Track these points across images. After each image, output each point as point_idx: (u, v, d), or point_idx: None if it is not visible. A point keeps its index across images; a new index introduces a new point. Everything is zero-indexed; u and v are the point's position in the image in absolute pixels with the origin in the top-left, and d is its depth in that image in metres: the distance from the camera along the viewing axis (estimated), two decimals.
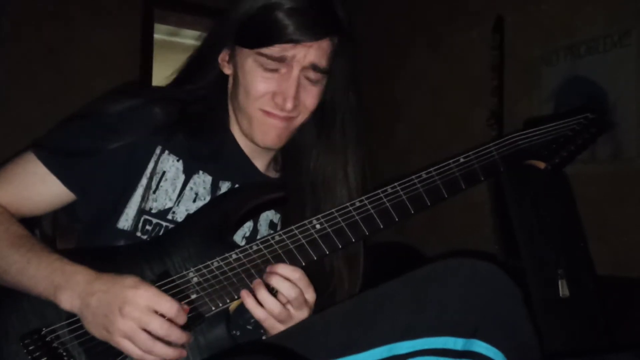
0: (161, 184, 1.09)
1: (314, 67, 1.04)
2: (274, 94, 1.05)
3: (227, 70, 1.13)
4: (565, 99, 2.59)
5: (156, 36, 3.84)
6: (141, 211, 1.07)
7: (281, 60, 1.02)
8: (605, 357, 1.49)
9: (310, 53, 1.02)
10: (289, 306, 0.95)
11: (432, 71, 3.31)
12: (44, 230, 1.17)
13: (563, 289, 1.73)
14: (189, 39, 5.12)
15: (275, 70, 1.04)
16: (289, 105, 1.04)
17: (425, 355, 0.78)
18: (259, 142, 1.10)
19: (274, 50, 1.02)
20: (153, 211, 1.08)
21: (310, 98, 1.08)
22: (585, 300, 1.79)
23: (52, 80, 3.28)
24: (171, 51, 4.97)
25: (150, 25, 3.65)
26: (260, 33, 1.02)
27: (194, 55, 1.17)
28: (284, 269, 0.96)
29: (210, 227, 1.03)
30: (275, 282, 0.95)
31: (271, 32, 1.01)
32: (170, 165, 1.10)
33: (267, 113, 1.07)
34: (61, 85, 3.27)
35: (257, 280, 0.96)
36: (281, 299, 0.96)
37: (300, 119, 1.10)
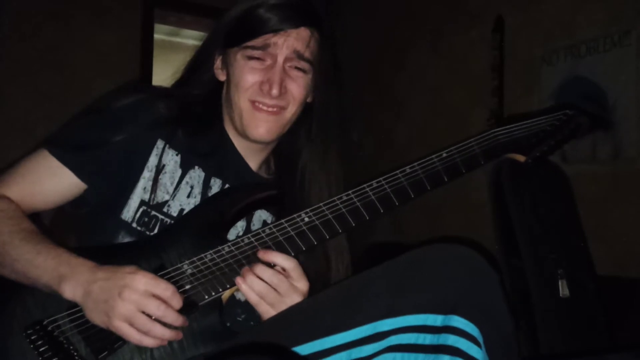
0: (160, 176, 1.14)
1: (297, 55, 1.12)
2: (261, 83, 1.12)
3: (222, 76, 1.20)
4: (565, 98, 2.59)
5: (156, 36, 3.84)
6: (141, 203, 1.13)
7: (264, 48, 1.11)
8: (605, 357, 1.49)
9: (289, 40, 1.11)
10: (277, 291, 1.00)
11: (432, 71, 3.31)
12: (43, 224, 1.19)
13: (563, 289, 1.73)
14: (189, 39, 5.13)
15: (260, 60, 1.12)
16: (275, 91, 1.11)
17: (407, 332, 0.82)
18: (250, 136, 1.16)
19: (258, 41, 1.11)
20: (151, 203, 1.13)
21: (297, 87, 1.14)
22: (585, 300, 1.79)
23: (52, 80, 3.28)
24: (171, 51, 4.98)
25: (150, 25, 3.65)
26: (246, 29, 1.12)
27: (190, 62, 1.24)
28: (277, 257, 1.01)
29: (205, 224, 1.08)
30: (259, 270, 1.00)
31: (255, 26, 1.11)
32: (170, 159, 1.15)
33: (256, 107, 1.13)
34: (61, 85, 3.27)
35: (245, 268, 1.01)
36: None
37: (290, 110, 1.16)
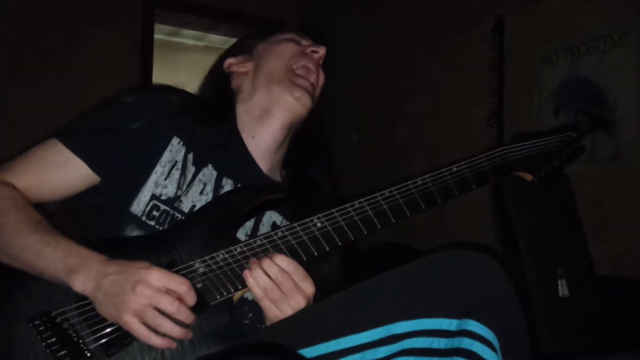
0: (172, 172, 1.14)
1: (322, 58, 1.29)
2: (304, 50, 1.26)
3: (243, 68, 1.28)
4: (565, 99, 2.59)
5: (156, 36, 3.84)
6: (152, 197, 1.12)
7: (301, 37, 1.30)
8: (605, 357, 1.50)
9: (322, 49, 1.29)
10: (281, 288, 1.00)
11: (432, 71, 3.31)
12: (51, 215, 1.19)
13: (563, 289, 1.73)
14: (189, 39, 5.13)
15: (298, 42, 1.28)
16: (322, 51, 1.27)
17: (422, 336, 0.82)
18: (292, 97, 1.21)
19: (296, 34, 1.30)
20: (162, 198, 1.13)
21: (322, 77, 1.28)
22: (585, 300, 1.79)
23: (52, 80, 3.28)
24: (171, 51, 4.98)
25: (150, 25, 3.65)
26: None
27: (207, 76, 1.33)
28: (280, 259, 1.00)
29: (216, 222, 1.08)
30: (265, 265, 0.99)
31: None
32: (183, 156, 1.16)
33: (295, 84, 1.21)
34: (61, 85, 3.27)
35: (253, 260, 1.01)
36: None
37: (316, 93, 1.26)
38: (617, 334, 1.90)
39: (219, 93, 1.26)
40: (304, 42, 1.28)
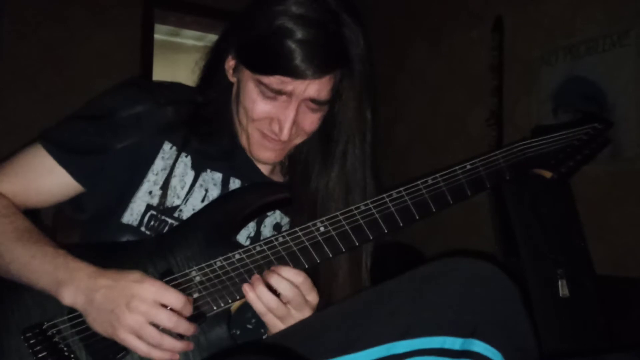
0: (168, 180, 1.09)
1: (314, 100, 1.03)
2: (272, 120, 1.04)
3: (232, 78, 1.12)
4: (565, 98, 2.59)
5: (156, 36, 3.84)
6: (148, 207, 1.08)
7: (279, 92, 1.01)
8: (605, 357, 1.49)
9: (310, 88, 1.01)
10: (288, 305, 0.95)
11: (432, 71, 3.31)
12: (43, 222, 1.16)
13: (563, 289, 1.74)
14: (189, 39, 5.12)
15: (274, 99, 1.03)
16: (285, 135, 1.03)
17: (424, 355, 0.78)
18: (255, 157, 1.11)
19: (273, 80, 0.99)
20: (160, 207, 1.08)
21: (310, 124, 1.07)
22: (585, 300, 1.80)
23: (52, 80, 3.28)
24: (171, 51, 4.98)
25: (150, 25, 3.65)
26: (263, 59, 1.00)
27: (205, 59, 1.17)
28: (287, 272, 0.95)
29: (214, 225, 1.03)
30: (274, 281, 0.94)
31: (274, 61, 0.99)
32: (179, 162, 1.10)
33: (264, 135, 1.07)
34: (61, 85, 3.27)
35: (255, 276, 0.95)
36: (281, 298, 0.96)
37: (299, 140, 1.10)
38: (617, 334, 1.90)
39: (217, 98, 1.13)
40: (282, 99, 1.02)
